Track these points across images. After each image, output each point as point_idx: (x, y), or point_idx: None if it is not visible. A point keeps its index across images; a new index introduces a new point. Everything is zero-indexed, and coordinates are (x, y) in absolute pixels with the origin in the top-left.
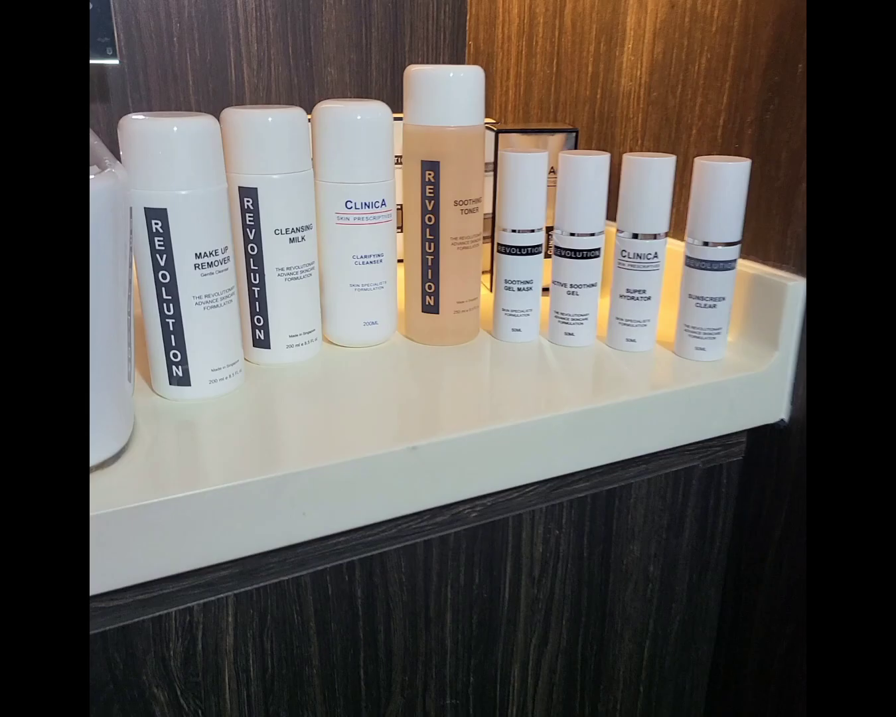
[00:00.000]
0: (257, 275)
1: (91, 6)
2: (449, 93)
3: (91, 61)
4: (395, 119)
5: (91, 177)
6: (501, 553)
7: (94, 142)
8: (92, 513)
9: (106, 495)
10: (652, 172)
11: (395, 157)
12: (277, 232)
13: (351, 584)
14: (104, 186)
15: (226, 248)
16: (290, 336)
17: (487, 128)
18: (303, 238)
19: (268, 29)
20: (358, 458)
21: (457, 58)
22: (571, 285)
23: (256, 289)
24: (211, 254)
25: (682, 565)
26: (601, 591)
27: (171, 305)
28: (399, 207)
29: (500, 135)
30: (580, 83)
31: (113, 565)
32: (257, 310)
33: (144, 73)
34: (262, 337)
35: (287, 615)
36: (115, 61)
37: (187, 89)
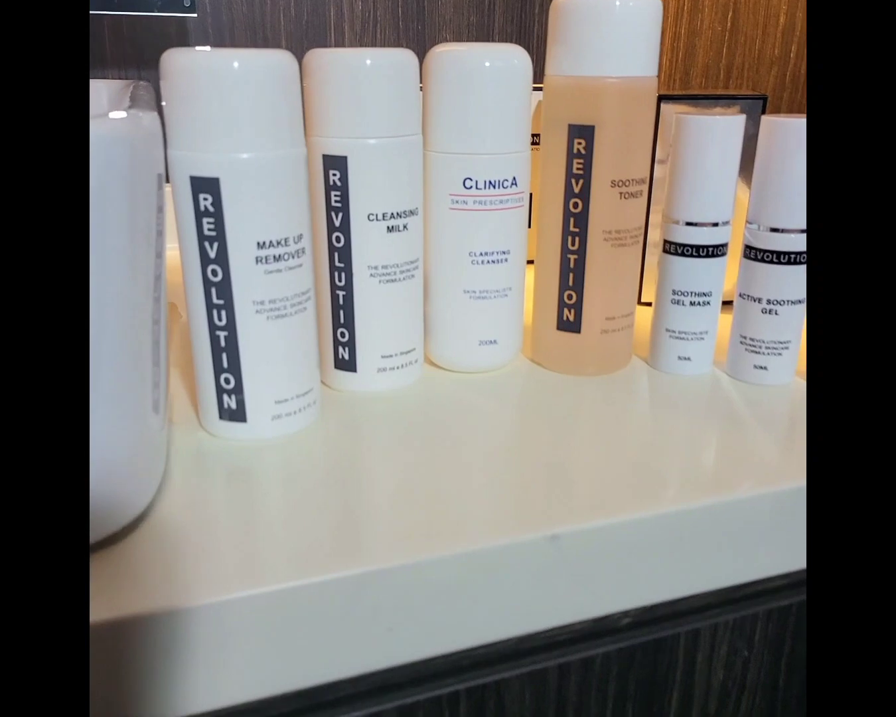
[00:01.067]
0: (343, 274)
1: None
2: (613, 30)
3: (167, 14)
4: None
5: (91, 120)
6: (666, 682)
7: (146, 95)
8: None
9: (105, 593)
10: None
11: None
12: (372, 218)
13: None
14: (111, 135)
15: (300, 236)
16: (383, 357)
17: None
18: (405, 227)
19: None
20: (470, 550)
21: None
22: (769, 301)
23: (341, 293)
24: (279, 243)
25: None
26: None
27: (222, 313)
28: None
29: (662, 103)
30: (766, 39)
31: (104, 697)
32: (341, 321)
33: (231, 34)
34: (346, 356)
35: None
36: (193, 15)
37: None
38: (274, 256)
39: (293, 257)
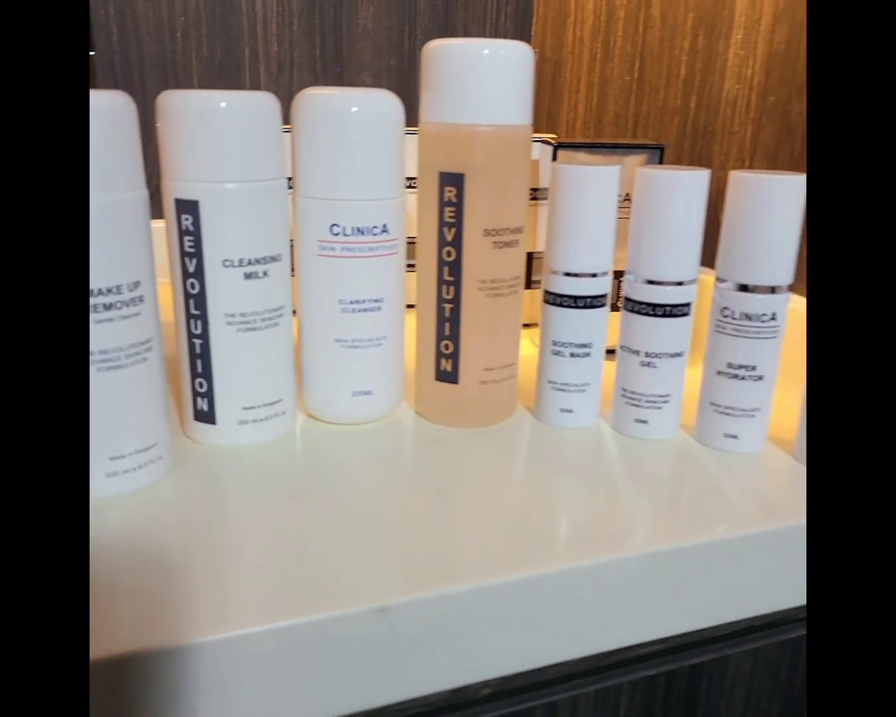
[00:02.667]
0: (199, 322)
1: None
2: (482, 77)
3: None
4: (411, 134)
5: None
6: None
7: None
8: None
9: None
10: (774, 197)
11: (409, 179)
12: (227, 264)
13: None
14: None
15: (137, 283)
16: (245, 408)
17: (544, 142)
18: (264, 273)
19: (291, 27)
20: (266, 629)
21: None
22: (647, 354)
23: (198, 342)
24: (111, 291)
25: None
26: None
27: None
28: (411, 241)
29: (560, 151)
30: (668, 90)
31: None
32: (199, 371)
33: (140, 74)
34: (205, 408)
35: None
36: (91, 52)
37: None
38: (104, 305)
39: (127, 306)
